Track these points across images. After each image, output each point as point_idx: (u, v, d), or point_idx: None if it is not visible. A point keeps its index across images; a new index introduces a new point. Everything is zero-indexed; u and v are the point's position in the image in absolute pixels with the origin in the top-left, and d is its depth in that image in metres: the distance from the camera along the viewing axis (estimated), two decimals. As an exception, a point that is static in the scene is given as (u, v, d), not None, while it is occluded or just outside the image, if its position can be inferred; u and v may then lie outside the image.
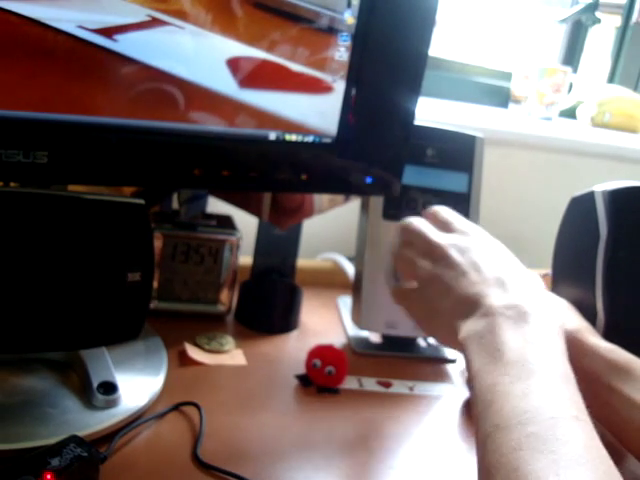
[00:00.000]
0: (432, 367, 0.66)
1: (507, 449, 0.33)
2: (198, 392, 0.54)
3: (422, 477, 0.49)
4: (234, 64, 0.48)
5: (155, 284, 0.65)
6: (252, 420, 0.52)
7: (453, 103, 1.19)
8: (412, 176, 0.66)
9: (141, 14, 0.43)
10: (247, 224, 0.71)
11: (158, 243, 0.65)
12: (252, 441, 0.49)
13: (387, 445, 0.52)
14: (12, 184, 0.46)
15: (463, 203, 0.69)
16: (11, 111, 0.42)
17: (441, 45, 1.20)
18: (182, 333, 0.63)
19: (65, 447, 0.41)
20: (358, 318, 0.67)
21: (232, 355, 0.62)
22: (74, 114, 0.44)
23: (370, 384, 0.61)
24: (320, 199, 0.71)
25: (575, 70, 1.34)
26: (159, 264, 0.65)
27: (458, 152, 0.70)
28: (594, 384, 0.48)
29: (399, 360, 0.66)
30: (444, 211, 0.55)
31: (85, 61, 0.43)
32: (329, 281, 0.83)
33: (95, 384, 0.49)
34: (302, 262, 0.79)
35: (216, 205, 0.72)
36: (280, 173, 0.53)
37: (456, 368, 0.67)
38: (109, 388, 0.49)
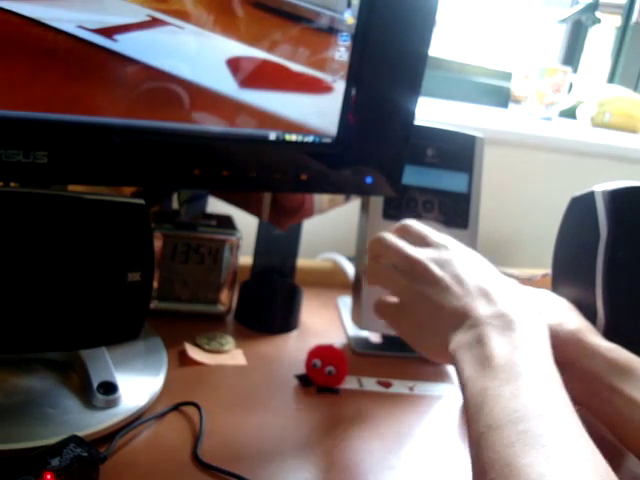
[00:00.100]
0: (432, 367, 0.66)
1: (500, 446, 0.34)
2: (198, 392, 0.54)
3: (422, 477, 0.49)
4: (234, 64, 0.48)
5: (155, 284, 0.65)
6: (252, 420, 0.52)
7: (453, 103, 1.19)
8: (412, 176, 0.66)
9: (141, 14, 0.43)
10: (247, 224, 0.71)
11: (158, 243, 0.65)
12: (252, 441, 0.49)
13: (387, 445, 0.52)
14: (12, 184, 0.46)
15: (463, 203, 0.69)
16: (11, 111, 0.42)
17: (441, 45, 1.20)
18: (182, 333, 0.63)
19: (65, 447, 0.41)
20: (358, 318, 0.67)
21: (232, 355, 0.62)
22: (74, 114, 0.44)
23: (370, 384, 0.61)
24: (320, 199, 0.71)
25: (575, 70, 1.34)
26: (159, 264, 0.65)
27: (458, 152, 0.70)
28: (595, 384, 0.48)
29: (399, 360, 0.66)
30: (417, 225, 0.55)
31: (85, 61, 0.43)
32: (329, 281, 0.83)
33: (95, 384, 0.49)
34: (302, 262, 0.79)
35: (216, 205, 0.72)
36: (280, 173, 0.53)
37: (456, 368, 0.67)
38: (109, 388, 0.49)
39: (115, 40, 0.43)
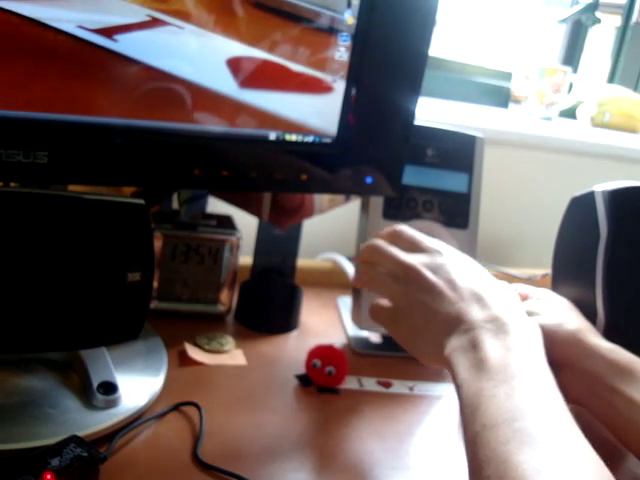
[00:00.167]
0: (432, 367, 0.66)
1: (495, 444, 0.35)
2: (198, 392, 0.54)
3: (423, 477, 0.49)
4: (234, 64, 0.48)
5: (155, 284, 0.65)
6: (252, 420, 0.52)
7: (453, 103, 1.19)
8: (412, 176, 0.66)
9: (141, 14, 0.43)
10: (247, 224, 0.71)
11: (158, 243, 0.65)
12: (252, 441, 0.49)
13: (387, 445, 0.52)
14: (12, 184, 0.46)
15: (463, 203, 0.69)
16: (11, 111, 0.42)
17: (441, 45, 1.20)
18: (182, 333, 0.63)
19: (65, 447, 0.41)
20: (358, 318, 0.67)
21: (232, 355, 0.62)
22: (74, 114, 0.44)
23: (370, 384, 0.61)
24: (320, 199, 0.71)
25: (575, 70, 1.34)
26: (159, 264, 0.65)
27: (458, 152, 0.70)
28: (595, 384, 0.48)
29: (399, 360, 0.66)
30: (409, 230, 0.55)
31: (85, 61, 0.43)
32: (329, 281, 0.83)
33: (95, 384, 0.49)
34: (302, 262, 0.79)
35: (216, 205, 0.72)
36: (280, 173, 0.53)
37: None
38: (109, 388, 0.49)
39: (115, 40, 0.43)
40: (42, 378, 0.50)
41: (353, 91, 0.53)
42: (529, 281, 0.90)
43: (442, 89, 1.19)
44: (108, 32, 0.43)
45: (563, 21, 1.34)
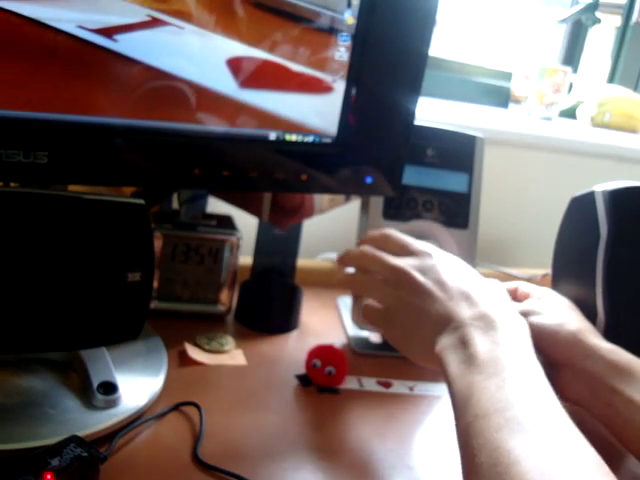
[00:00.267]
0: (427, 367, 0.66)
1: (488, 432, 0.36)
2: (198, 392, 0.54)
3: (423, 477, 0.49)
4: (234, 64, 0.48)
5: (155, 284, 0.65)
6: (252, 420, 0.52)
7: (453, 103, 1.19)
8: (412, 176, 0.66)
9: (141, 14, 0.43)
10: (247, 224, 0.71)
11: (158, 243, 0.64)
12: (252, 441, 0.49)
13: (387, 445, 0.52)
14: (12, 184, 0.46)
15: (463, 203, 0.69)
16: (11, 111, 0.42)
17: (441, 45, 1.20)
18: (182, 333, 0.63)
19: (65, 447, 0.41)
20: (358, 318, 0.67)
21: (232, 355, 0.62)
22: (74, 114, 0.44)
23: (370, 384, 0.61)
24: (320, 199, 0.71)
25: (575, 70, 1.34)
26: (159, 264, 0.65)
27: (458, 152, 0.70)
28: (595, 385, 0.48)
29: (399, 360, 0.66)
30: (396, 234, 0.56)
31: (85, 61, 0.43)
32: (329, 281, 0.83)
33: (95, 384, 0.49)
34: (302, 262, 0.79)
35: (216, 205, 0.72)
36: (280, 173, 0.53)
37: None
38: (109, 388, 0.49)
39: (115, 40, 0.43)
40: (42, 378, 0.50)
41: (353, 91, 0.53)
42: (529, 281, 0.90)
43: (442, 89, 1.19)
44: (108, 32, 0.43)
45: (563, 21, 1.34)
